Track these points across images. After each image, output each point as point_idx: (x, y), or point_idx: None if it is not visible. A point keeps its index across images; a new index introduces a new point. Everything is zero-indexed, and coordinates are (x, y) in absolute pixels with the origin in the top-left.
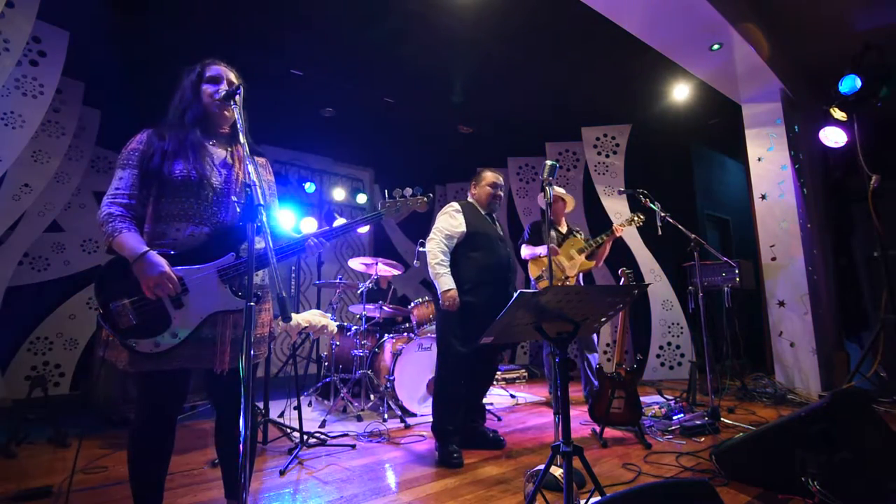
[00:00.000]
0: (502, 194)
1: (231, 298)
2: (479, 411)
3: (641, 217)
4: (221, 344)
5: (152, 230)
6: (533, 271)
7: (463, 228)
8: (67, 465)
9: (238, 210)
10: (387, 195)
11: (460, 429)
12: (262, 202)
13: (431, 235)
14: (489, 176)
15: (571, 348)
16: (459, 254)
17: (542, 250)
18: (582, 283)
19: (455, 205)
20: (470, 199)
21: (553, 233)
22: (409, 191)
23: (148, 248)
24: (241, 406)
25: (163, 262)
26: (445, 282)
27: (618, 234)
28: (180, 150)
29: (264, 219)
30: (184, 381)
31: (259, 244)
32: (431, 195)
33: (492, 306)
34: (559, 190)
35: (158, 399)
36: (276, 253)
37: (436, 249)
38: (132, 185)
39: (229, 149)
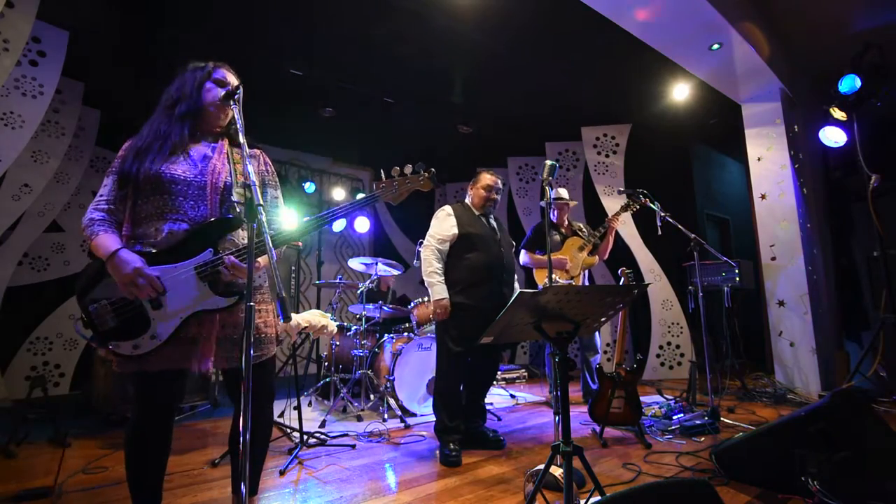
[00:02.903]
0: (498, 197)
1: (211, 297)
2: (480, 411)
3: (636, 204)
4: (207, 343)
5: (132, 232)
6: (539, 278)
7: (455, 231)
8: (68, 464)
9: (223, 205)
10: (383, 175)
11: (461, 428)
12: (261, 202)
13: (426, 242)
14: (485, 178)
15: (571, 348)
16: (452, 255)
17: (539, 256)
18: (587, 282)
19: (447, 208)
20: (466, 200)
21: (557, 236)
22: (408, 168)
23: (121, 246)
24: (242, 405)
25: (136, 258)
26: (438, 291)
27: (616, 225)
28: (153, 146)
29: (264, 218)
30: (178, 380)
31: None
32: (434, 170)
33: (485, 307)
34: (562, 191)
35: (153, 399)
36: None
37: (430, 257)
38: (112, 190)
39: (215, 145)
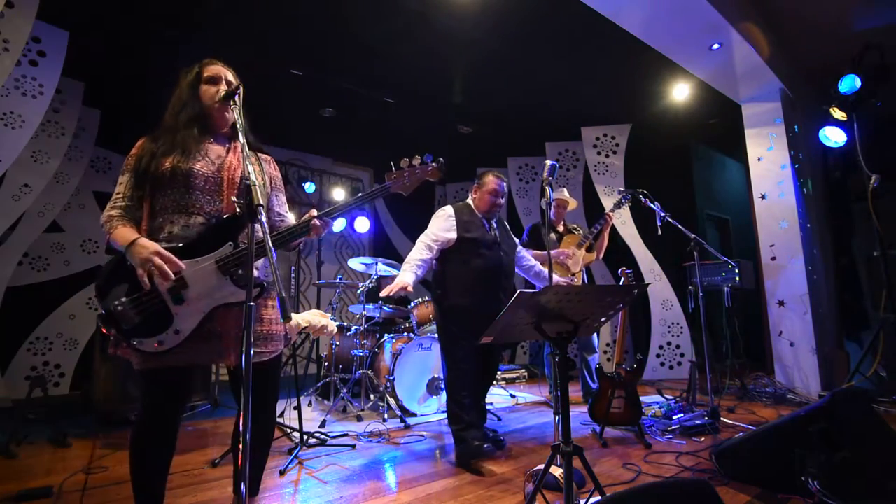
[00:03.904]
0: (503, 201)
1: (233, 290)
2: (480, 411)
3: (628, 202)
4: (227, 339)
5: (149, 226)
6: None
7: (453, 235)
8: (67, 465)
9: (234, 201)
10: (393, 166)
11: (475, 423)
12: (261, 202)
13: (420, 237)
14: (491, 182)
15: (571, 348)
16: (451, 258)
17: (541, 255)
18: (586, 280)
19: (448, 209)
20: (469, 202)
21: (553, 235)
22: (417, 159)
23: (140, 235)
24: (243, 404)
25: (155, 244)
26: (404, 276)
27: (611, 221)
28: (170, 148)
29: (263, 218)
30: (186, 379)
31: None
32: (442, 160)
33: (482, 311)
34: (565, 193)
35: (161, 398)
36: (281, 236)
37: (415, 250)
38: (128, 188)
39: (228, 145)
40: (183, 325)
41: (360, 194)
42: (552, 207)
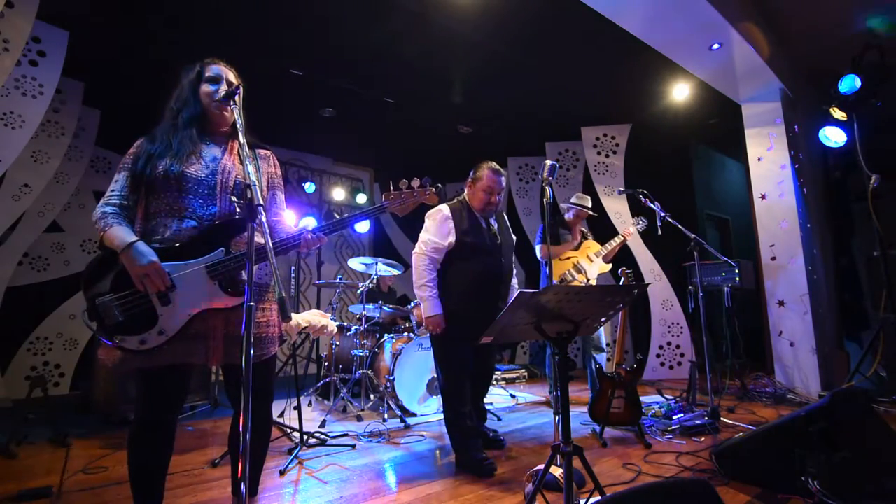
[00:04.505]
0: (499, 199)
1: (220, 296)
2: (480, 412)
3: (644, 220)
4: (214, 339)
5: (142, 228)
6: (555, 273)
7: (452, 239)
8: (68, 465)
9: (232, 204)
10: (391, 186)
11: (475, 431)
12: (261, 202)
13: (418, 248)
14: (486, 178)
15: (571, 348)
16: (448, 261)
17: (562, 249)
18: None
19: (444, 209)
20: (465, 197)
21: (569, 236)
22: (416, 181)
23: (138, 239)
24: (243, 405)
25: (152, 252)
26: (430, 306)
27: (627, 239)
28: (166, 150)
29: (263, 218)
30: (181, 380)
31: (258, 240)
32: (441, 185)
33: (480, 319)
34: (588, 202)
35: (156, 399)
36: (272, 246)
37: (422, 268)
38: (124, 186)
39: (225, 146)
40: (167, 325)
41: (356, 211)
42: (570, 211)
